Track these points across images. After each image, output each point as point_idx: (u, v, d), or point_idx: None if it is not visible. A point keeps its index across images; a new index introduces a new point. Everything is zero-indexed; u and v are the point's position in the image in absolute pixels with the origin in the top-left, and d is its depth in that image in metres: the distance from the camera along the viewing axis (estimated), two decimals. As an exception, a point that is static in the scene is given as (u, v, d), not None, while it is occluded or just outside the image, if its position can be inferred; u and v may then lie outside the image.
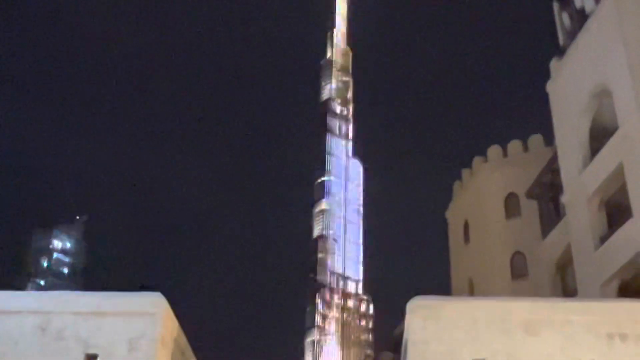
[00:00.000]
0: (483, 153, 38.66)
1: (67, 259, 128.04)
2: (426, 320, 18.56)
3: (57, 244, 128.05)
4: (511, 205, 35.94)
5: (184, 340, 19.76)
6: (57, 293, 24.95)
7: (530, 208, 34.51)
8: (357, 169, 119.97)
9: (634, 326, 17.86)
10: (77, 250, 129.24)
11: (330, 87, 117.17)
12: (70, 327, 17.77)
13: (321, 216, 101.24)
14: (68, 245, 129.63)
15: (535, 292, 30.41)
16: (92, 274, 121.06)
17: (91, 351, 17.51)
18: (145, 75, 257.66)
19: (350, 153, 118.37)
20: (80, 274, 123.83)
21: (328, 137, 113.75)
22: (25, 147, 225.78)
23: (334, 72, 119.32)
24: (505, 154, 37.58)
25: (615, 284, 25.85)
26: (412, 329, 18.69)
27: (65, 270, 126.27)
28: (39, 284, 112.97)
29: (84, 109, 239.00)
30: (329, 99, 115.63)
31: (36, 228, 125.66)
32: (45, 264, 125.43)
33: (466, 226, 38.67)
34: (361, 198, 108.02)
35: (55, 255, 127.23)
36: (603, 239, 27.27)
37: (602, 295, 25.17)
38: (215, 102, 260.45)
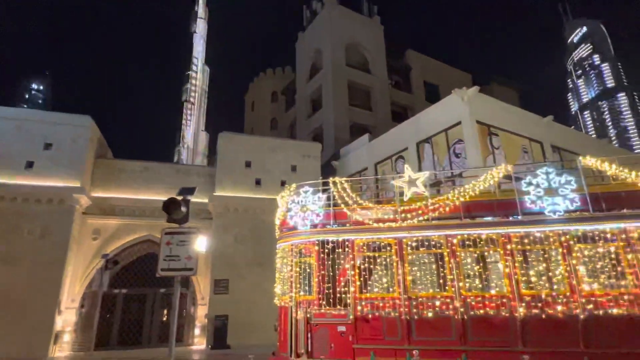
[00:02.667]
0: (264, 71, 50.06)
1: (41, 95, 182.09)
2: (227, 143, 22.69)
3: (34, 85, 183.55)
4: (274, 97, 46.40)
5: (103, 141, 22.60)
6: (30, 109, 26.74)
7: (282, 99, 43.89)
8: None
9: (311, 153, 24.29)
10: (46, 90, 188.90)
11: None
12: (35, 128, 20.03)
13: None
14: (41, 87, 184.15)
15: (278, 135, 36.67)
16: (56, 103, 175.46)
17: (48, 141, 20.21)
18: None
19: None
20: (49, 103, 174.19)
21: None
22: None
23: None
24: (274, 73, 48.03)
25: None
26: (220, 149, 21.94)
27: (40, 101, 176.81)
28: (23, 107, 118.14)
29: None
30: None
31: (21, 76, 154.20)
32: (27, 97, 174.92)
33: (253, 105, 48.77)
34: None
35: (33, 92, 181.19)
36: (309, 116, 34.60)
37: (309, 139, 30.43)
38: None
